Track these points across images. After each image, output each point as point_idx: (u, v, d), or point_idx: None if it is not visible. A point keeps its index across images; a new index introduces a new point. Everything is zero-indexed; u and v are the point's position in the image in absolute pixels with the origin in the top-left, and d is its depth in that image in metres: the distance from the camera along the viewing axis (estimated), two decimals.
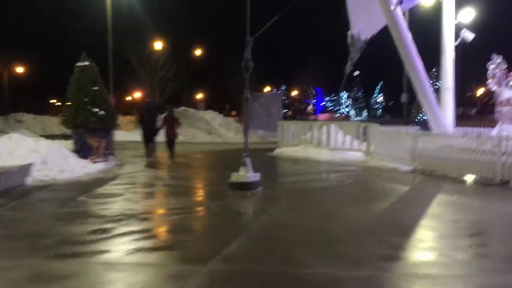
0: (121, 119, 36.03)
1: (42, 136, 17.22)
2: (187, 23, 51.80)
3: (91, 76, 13.08)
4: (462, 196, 9.51)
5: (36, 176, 10.61)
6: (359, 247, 5.54)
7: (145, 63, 31.94)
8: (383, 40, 14.92)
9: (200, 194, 9.87)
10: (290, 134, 17.57)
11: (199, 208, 8.04)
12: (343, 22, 14.63)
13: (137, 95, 40.98)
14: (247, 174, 9.58)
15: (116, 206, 7.99)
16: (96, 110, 12.87)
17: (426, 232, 6.43)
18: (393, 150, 13.62)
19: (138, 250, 5.36)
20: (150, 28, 31.13)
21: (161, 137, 15.79)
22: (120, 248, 5.42)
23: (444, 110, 14.81)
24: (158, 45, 32.76)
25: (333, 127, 15.72)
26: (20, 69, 61.55)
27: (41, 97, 57.73)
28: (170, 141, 16.01)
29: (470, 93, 70.34)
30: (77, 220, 6.91)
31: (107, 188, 9.88)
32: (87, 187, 10.16)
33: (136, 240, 5.79)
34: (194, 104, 43.72)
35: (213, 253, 5.16)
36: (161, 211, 7.76)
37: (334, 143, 15.78)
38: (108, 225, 6.53)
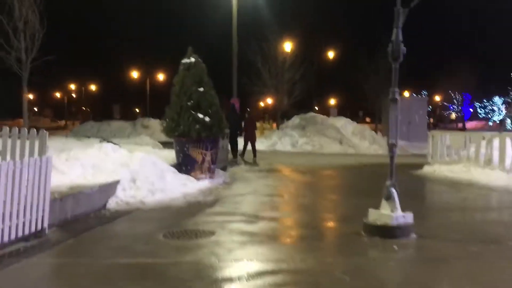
0: None
1: (164, 142, 15.78)
2: (316, 20, 48.97)
3: (196, 75, 10.88)
4: None
5: (121, 197, 8.58)
6: None
7: (271, 65, 29.78)
8: None
9: (319, 239, 6.85)
10: (445, 148, 13.62)
11: (313, 274, 5.06)
12: None
13: (261, 99, 39.27)
14: (392, 213, 6.38)
15: (194, 256, 5.42)
16: (201, 116, 10.61)
17: None
18: None
19: None
20: (276, 26, 29.01)
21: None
22: None
23: None
24: (286, 46, 30.49)
25: (510, 141, 11.52)
26: (161, 76, 64.58)
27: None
28: (252, 143, 16.20)
29: None
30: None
31: (199, 221, 7.40)
32: (176, 216, 7.83)
33: None
34: (325, 111, 40.68)
35: None
36: (251, 273, 4.94)
37: None
38: None
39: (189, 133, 10.59)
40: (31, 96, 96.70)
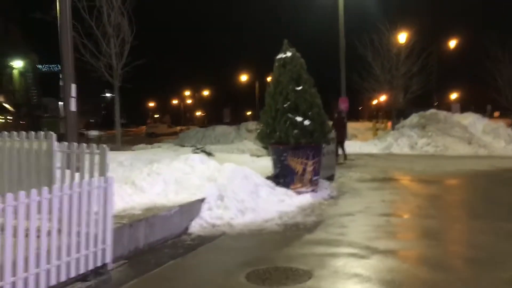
0: (355, 126, 32.05)
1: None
2: (436, 5, 44.42)
3: (293, 72, 9.33)
4: None
5: (206, 218, 7.34)
6: None
7: (383, 58, 27.09)
8: None
9: None
10: None
11: None
12: None
13: (372, 96, 36.37)
14: None
15: None
16: (299, 119, 9.04)
17: None
18: None
19: None
20: (388, 14, 26.30)
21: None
22: None
23: None
24: (401, 36, 27.59)
25: None
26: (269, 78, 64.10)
27: None
28: (341, 143, 15.84)
29: None
30: None
31: (293, 254, 5.85)
32: (266, 245, 6.39)
33: None
34: (446, 106, 36.66)
35: None
36: None
37: None
38: None
39: (286, 140, 9.08)
40: (152, 104, 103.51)
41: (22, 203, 4.24)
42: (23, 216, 4.21)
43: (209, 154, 12.00)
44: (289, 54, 9.51)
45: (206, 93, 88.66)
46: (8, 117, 36.13)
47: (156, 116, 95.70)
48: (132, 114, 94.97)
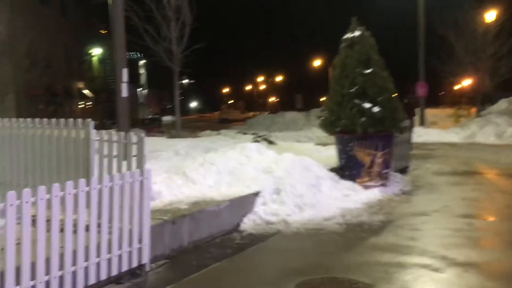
0: (434, 113, 29.75)
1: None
2: None
3: (362, 53, 8.36)
4: None
5: (260, 214, 6.72)
6: None
7: (467, 39, 24.72)
8: None
9: None
10: None
11: None
12: None
13: (454, 81, 33.58)
14: None
15: None
16: (368, 105, 8.10)
17: None
18: None
19: None
20: None
21: None
22: None
23: None
24: (489, 15, 25.07)
25: None
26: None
27: None
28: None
29: None
30: None
31: (354, 261, 5.07)
32: (324, 248, 5.66)
33: None
34: None
35: None
36: None
37: None
38: None
39: (352, 129, 8.19)
40: (227, 90, 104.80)
41: (56, 197, 3.85)
42: (57, 210, 3.84)
43: (270, 142, 11.34)
44: (357, 33, 8.55)
45: (279, 78, 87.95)
46: (87, 103, 37.81)
47: (230, 102, 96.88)
48: (208, 100, 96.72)
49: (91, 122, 5.08)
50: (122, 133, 5.12)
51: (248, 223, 6.57)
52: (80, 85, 36.12)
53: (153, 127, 28.08)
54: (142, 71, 72.87)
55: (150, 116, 43.15)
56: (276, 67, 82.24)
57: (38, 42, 23.31)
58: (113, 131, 5.29)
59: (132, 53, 61.70)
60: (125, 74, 7.53)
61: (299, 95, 53.88)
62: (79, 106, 36.49)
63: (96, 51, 42.03)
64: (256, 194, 6.92)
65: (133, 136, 5.05)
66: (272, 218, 6.66)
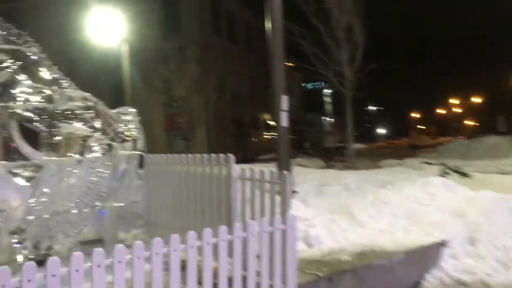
0: None
1: None
2: None
3: None
4: None
5: (448, 270, 5.23)
6: None
7: None
8: None
9: None
10: None
11: None
12: None
13: None
14: None
15: None
16: None
17: None
18: None
19: None
20: None
21: None
22: None
23: None
24: None
25: None
26: None
27: None
28: None
29: None
30: None
31: None
32: None
33: None
34: None
35: None
36: None
37: None
38: None
39: None
40: (416, 115, 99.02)
41: (208, 244, 3.21)
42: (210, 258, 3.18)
43: (463, 174, 9.33)
44: None
45: (476, 99, 79.49)
46: (273, 133, 39.00)
47: (419, 127, 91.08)
48: (396, 126, 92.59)
49: (232, 157, 4.39)
50: (266, 171, 4.30)
51: (433, 282, 5.13)
52: (267, 116, 37.53)
53: (335, 156, 27.26)
54: (327, 99, 73.47)
55: (334, 145, 42.54)
56: (473, 86, 74.50)
57: (225, 76, 24.79)
58: (255, 168, 4.51)
59: (317, 83, 62.97)
60: (284, 101, 6.84)
61: (502, 117, 47.19)
62: (265, 137, 37.85)
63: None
64: (442, 243, 5.43)
65: (279, 174, 4.18)
66: (465, 277, 5.09)
